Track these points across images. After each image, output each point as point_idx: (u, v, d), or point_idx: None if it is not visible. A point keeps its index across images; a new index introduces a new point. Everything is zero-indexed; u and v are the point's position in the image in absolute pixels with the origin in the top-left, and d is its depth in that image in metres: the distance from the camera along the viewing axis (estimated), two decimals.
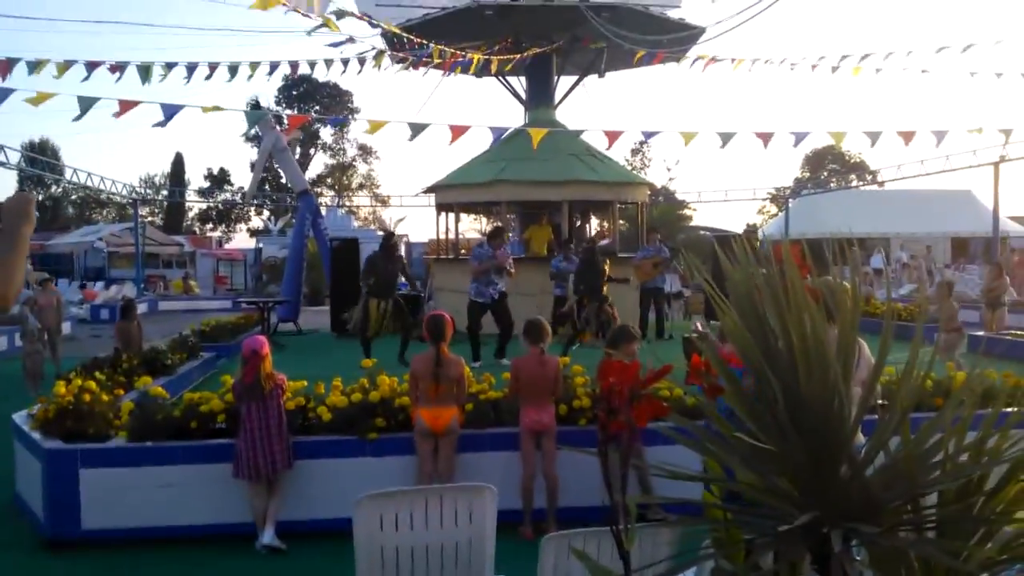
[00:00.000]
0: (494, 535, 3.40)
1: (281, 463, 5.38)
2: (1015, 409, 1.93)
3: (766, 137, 11.04)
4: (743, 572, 1.81)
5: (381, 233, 36.47)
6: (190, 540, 5.41)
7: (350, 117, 45.11)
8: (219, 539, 5.43)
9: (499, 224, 13.94)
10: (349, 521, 3.22)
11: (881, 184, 27.74)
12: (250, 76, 13.38)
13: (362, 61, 15.65)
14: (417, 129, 9.74)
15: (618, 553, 1.75)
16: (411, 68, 16.21)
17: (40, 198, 51.01)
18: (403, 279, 12.03)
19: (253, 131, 49.86)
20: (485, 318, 11.06)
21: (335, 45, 14.76)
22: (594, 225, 19.27)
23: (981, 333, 12.83)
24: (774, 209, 43.06)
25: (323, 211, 21.83)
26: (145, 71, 10.96)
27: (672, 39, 15.77)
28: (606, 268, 11.49)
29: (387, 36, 15.11)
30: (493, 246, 11.03)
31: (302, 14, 11.66)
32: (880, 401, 2.60)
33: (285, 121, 21.27)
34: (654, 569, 1.89)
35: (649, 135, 11.52)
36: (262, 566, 5.15)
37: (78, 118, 8.86)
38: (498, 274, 11.03)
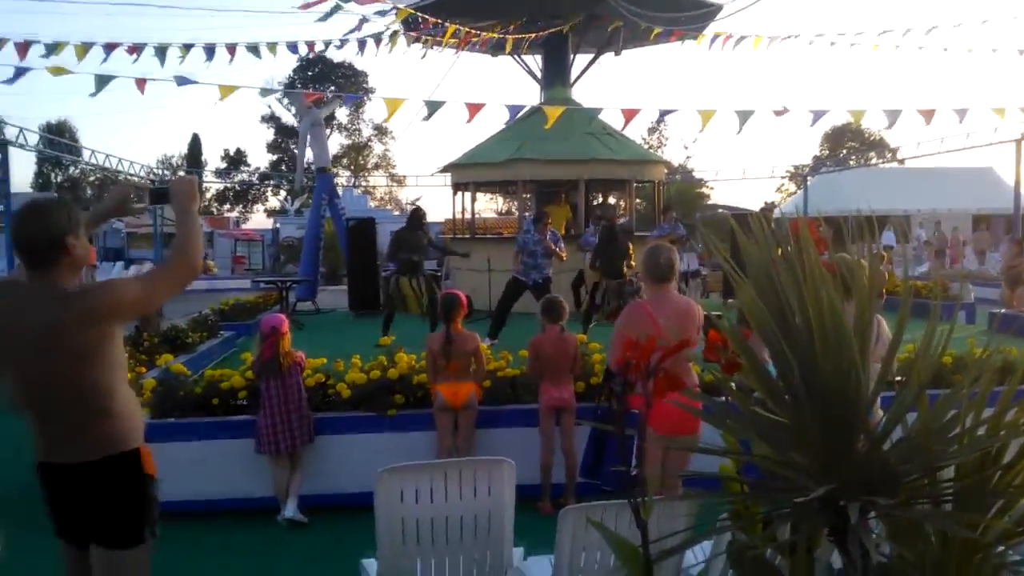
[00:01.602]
0: (513, 507, 3.45)
1: (302, 438, 5.46)
2: None
3: (784, 113, 10.94)
4: (760, 544, 1.83)
5: (397, 213, 36.43)
6: (213, 514, 5.51)
7: (366, 96, 45.08)
8: (242, 513, 5.53)
9: (541, 209, 13.84)
10: (370, 495, 3.27)
11: (901, 161, 27.49)
12: (273, 54, 13.36)
13: (378, 41, 15.63)
14: (433, 107, 9.73)
15: (636, 524, 1.78)
16: (426, 47, 16.19)
17: (58, 179, 51.40)
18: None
19: (269, 112, 50.14)
20: (524, 301, 10.97)
21: (351, 31, 14.78)
22: (610, 203, 19.15)
23: (1000, 310, 12.76)
24: (792, 187, 42.75)
25: (339, 191, 21.85)
26: (162, 52, 11.01)
27: (689, 16, 15.63)
28: (631, 248, 11.30)
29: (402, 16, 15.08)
30: (539, 230, 10.96)
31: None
32: (898, 377, 2.61)
33: (305, 99, 21.23)
34: (672, 540, 1.92)
35: (666, 113, 11.46)
36: (284, 539, 5.24)
37: (94, 94, 8.95)
38: (546, 257, 10.99)
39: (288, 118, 48.51)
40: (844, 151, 46.22)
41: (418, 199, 43.04)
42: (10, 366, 2.69)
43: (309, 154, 18.51)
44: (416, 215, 11.55)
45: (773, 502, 1.89)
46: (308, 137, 18.00)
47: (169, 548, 4.73)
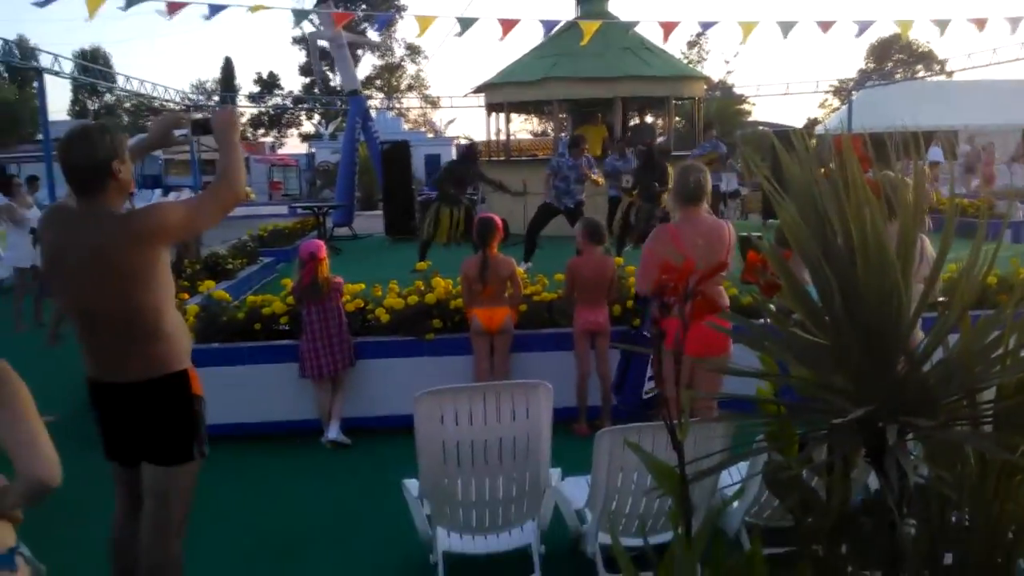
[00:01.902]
0: (550, 429, 3.49)
1: (343, 361, 5.56)
2: None
3: (827, 26, 10.57)
4: (796, 465, 1.84)
5: (431, 136, 36.11)
6: (259, 437, 5.67)
7: (397, 15, 44.31)
8: (286, 436, 5.68)
9: (577, 133, 13.58)
10: (410, 418, 3.33)
11: (950, 74, 26.46)
12: None
13: None
14: (466, 24, 9.55)
15: (672, 445, 1.79)
16: None
17: (95, 107, 51.66)
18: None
19: (300, 33, 49.52)
20: (557, 223, 10.92)
21: None
22: (648, 122, 18.77)
23: None
24: (836, 103, 41.52)
25: (372, 114, 21.70)
26: None
27: None
28: (669, 170, 11.12)
29: None
30: (573, 155, 10.81)
31: None
32: (941, 298, 2.57)
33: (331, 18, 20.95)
34: (708, 461, 1.93)
35: (706, 26, 11.13)
36: (329, 459, 5.39)
37: (125, 8, 8.92)
38: (579, 183, 10.88)
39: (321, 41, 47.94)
40: (891, 64, 44.64)
41: (451, 121, 42.68)
42: (65, 287, 2.81)
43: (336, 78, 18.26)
44: (472, 150, 11.49)
45: (810, 424, 1.88)
46: (320, 49, 17.66)
47: (215, 471, 4.89)
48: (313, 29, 21.07)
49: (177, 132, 3.18)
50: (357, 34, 21.39)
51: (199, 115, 3.13)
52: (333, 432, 5.51)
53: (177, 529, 2.94)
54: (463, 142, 21.43)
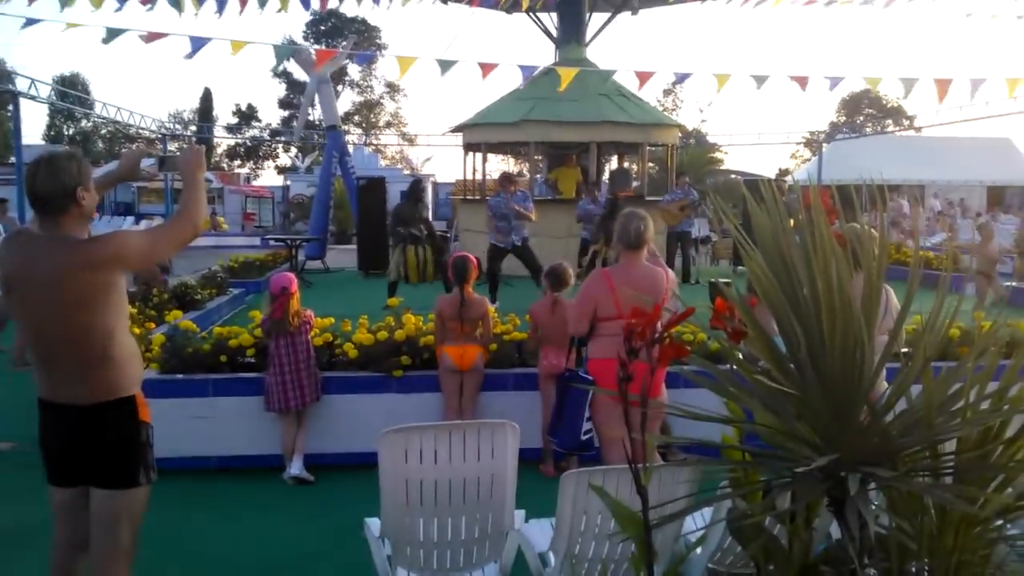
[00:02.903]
0: (516, 470, 3.47)
1: (310, 395, 5.50)
2: None
3: (802, 81, 10.81)
4: (759, 512, 1.84)
5: (408, 173, 36.17)
6: (220, 471, 5.57)
7: (378, 53, 44.70)
8: (248, 470, 5.58)
9: (506, 171, 13.67)
10: (374, 455, 3.29)
11: (918, 130, 27.12)
12: (279, 9, 13.25)
13: None
14: (446, 66, 9.64)
15: (636, 490, 1.79)
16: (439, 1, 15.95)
17: (70, 132, 51.32)
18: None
19: (281, 67, 49.74)
20: (510, 262, 10.98)
21: None
22: (625, 167, 18.95)
23: (1012, 283, 12.68)
24: (807, 153, 42.33)
25: (350, 149, 21.76)
26: (176, 2, 10.91)
27: None
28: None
29: None
30: (505, 194, 10.84)
31: None
32: (904, 349, 2.60)
33: (313, 55, 21.07)
34: (672, 507, 1.93)
35: (682, 77, 11.32)
36: (291, 495, 5.30)
37: (106, 41, 8.91)
38: (518, 219, 10.93)
39: (300, 74, 48.22)
40: (861, 118, 45.66)
41: (428, 159, 42.83)
42: (22, 310, 2.85)
43: (315, 112, 18.37)
44: (412, 188, 11.40)
45: (774, 471, 1.89)
46: (316, 95, 17.85)
47: (174, 504, 4.82)
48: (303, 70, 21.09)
49: (145, 165, 3.28)
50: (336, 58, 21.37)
51: (168, 152, 3.22)
52: (296, 468, 5.43)
53: (126, 556, 2.93)
54: (406, 173, 21.39)
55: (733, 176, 28.71)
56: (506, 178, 11.26)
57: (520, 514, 3.66)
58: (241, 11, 12.75)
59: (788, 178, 29.56)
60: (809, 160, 37.38)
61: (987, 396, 1.78)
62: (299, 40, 45.44)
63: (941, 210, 26.24)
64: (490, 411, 5.60)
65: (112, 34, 8.97)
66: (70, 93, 20.74)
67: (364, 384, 5.78)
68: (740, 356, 1.95)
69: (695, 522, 3.63)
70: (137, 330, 6.24)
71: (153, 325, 7.16)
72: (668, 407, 3.54)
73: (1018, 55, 71.20)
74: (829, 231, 1.78)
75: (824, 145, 28.81)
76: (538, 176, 17.32)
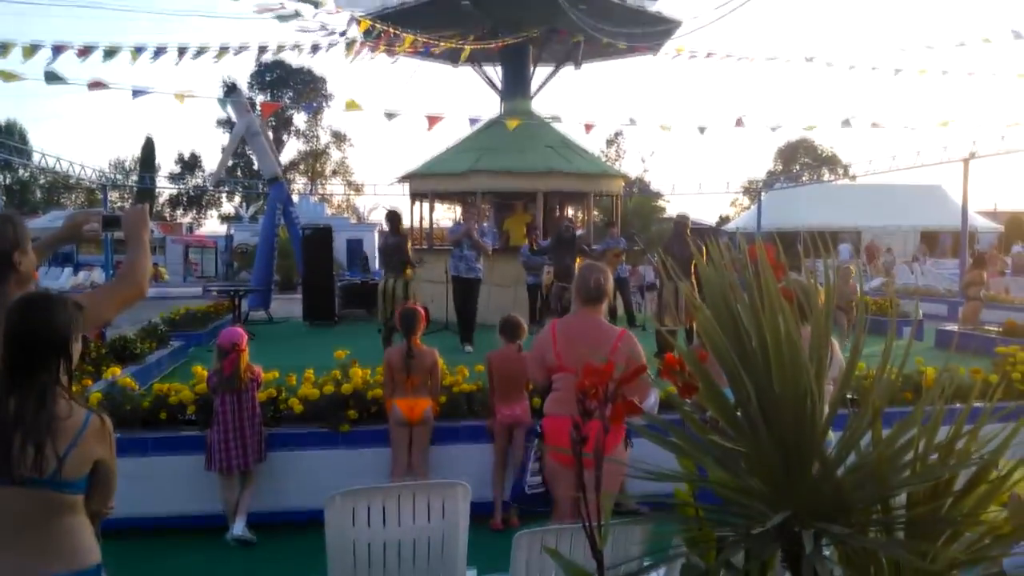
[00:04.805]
0: (467, 531, 3.40)
1: (254, 455, 5.34)
2: (986, 405, 1.95)
3: (742, 122, 11.12)
4: (714, 570, 1.82)
5: (355, 222, 35.96)
6: (159, 531, 5.36)
7: (324, 104, 44.79)
8: (189, 530, 5.39)
9: (394, 210, 13.68)
10: (321, 512, 3.20)
11: (853, 178, 28.04)
12: (216, 58, 13.15)
13: (335, 44, 15.48)
14: (393, 116, 9.69)
15: (591, 552, 1.75)
16: (385, 54, 16.07)
17: (7, 182, 50.13)
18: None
19: (225, 116, 49.50)
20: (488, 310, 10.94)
21: (306, 31, 14.66)
22: (568, 217, 19.15)
23: (953, 327, 13.00)
24: (747, 202, 43.34)
25: (295, 198, 21.61)
26: (111, 54, 10.80)
27: (649, 32, 15.79)
28: (579, 258, 11.33)
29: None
30: (465, 220, 10.95)
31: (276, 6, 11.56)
32: (851, 396, 2.62)
33: (258, 107, 21.01)
34: (626, 567, 1.89)
35: (625, 126, 11.54)
36: (232, 558, 5.12)
37: (48, 82, 8.78)
38: (473, 250, 10.97)
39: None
40: (797, 167, 46.98)
41: (375, 208, 42.76)
42: None
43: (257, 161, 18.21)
44: (390, 219, 11.20)
45: (728, 528, 1.87)
46: (245, 143, 17.66)
47: (114, 567, 4.61)
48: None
49: (86, 228, 3.20)
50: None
51: (110, 212, 3.17)
52: (238, 528, 5.25)
53: None
54: (353, 222, 21.23)
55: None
56: (470, 209, 11.37)
57: (472, 573, 3.59)
58: (178, 61, 12.65)
59: (730, 225, 30.12)
60: (749, 208, 38.28)
61: (936, 448, 1.79)
62: (243, 91, 45.29)
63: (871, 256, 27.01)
64: (441, 463, 5.51)
65: (52, 81, 8.84)
66: (6, 144, 20.30)
67: (310, 439, 5.65)
68: (690, 411, 1.94)
69: None
70: (74, 387, 6.02)
71: (90, 382, 6.92)
72: (623, 464, 3.52)
73: (946, 106, 74.51)
74: (775, 283, 1.80)
75: (763, 193, 29.56)
76: (485, 224, 17.41)
